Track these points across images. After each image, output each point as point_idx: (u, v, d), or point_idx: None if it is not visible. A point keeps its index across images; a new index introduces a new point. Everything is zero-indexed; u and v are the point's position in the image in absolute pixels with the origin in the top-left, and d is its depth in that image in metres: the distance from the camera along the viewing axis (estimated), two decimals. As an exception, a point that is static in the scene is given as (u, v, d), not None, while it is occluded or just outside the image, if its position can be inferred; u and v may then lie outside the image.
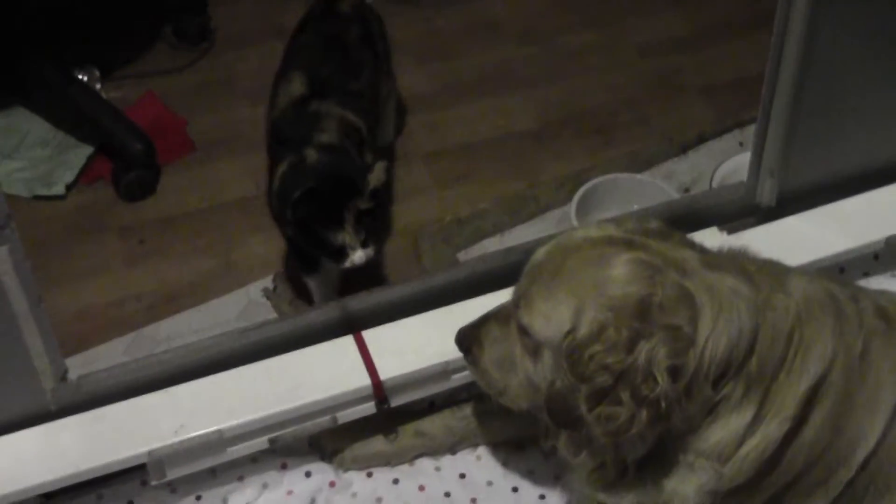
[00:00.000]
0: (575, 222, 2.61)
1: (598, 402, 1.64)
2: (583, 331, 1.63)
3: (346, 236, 2.22)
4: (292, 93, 2.48)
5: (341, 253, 2.23)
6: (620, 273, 1.65)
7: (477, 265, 2.29)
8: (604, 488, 1.83)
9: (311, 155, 2.33)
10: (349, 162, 2.34)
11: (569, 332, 1.65)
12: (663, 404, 1.62)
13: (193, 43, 3.33)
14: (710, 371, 1.65)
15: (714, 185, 2.68)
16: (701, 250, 1.76)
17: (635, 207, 2.60)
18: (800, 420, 1.72)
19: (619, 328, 1.62)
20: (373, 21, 2.69)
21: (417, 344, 2.09)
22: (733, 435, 1.71)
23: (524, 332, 1.74)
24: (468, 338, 1.87)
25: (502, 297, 1.88)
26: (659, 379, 1.61)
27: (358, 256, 2.22)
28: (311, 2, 2.73)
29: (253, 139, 2.78)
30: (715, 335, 1.64)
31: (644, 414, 1.62)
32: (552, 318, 1.68)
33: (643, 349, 1.61)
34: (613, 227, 1.76)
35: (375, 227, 2.27)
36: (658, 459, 1.76)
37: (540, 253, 1.77)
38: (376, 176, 2.25)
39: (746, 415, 1.70)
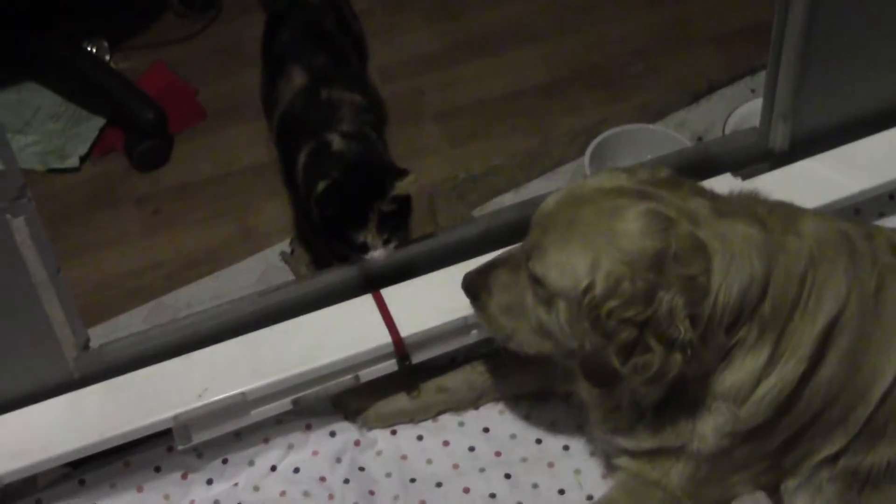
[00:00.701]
0: (589, 174, 2.59)
1: (629, 354, 1.66)
2: (599, 286, 1.64)
3: (368, 235, 2.17)
4: (295, 85, 2.44)
5: (362, 248, 2.20)
6: (634, 226, 1.65)
7: (492, 220, 2.29)
8: (622, 433, 1.86)
9: (336, 141, 2.29)
10: (376, 157, 2.30)
11: (586, 290, 1.66)
12: (689, 350, 1.64)
13: (201, 11, 3.32)
14: (724, 317, 1.67)
15: (727, 132, 2.67)
16: (712, 197, 1.76)
17: (648, 158, 2.59)
18: (816, 360, 1.73)
19: (634, 281, 1.62)
20: (342, 5, 2.68)
21: (436, 300, 2.07)
22: (749, 377, 1.73)
23: (537, 282, 1.74)
24: (476, 284, 1.88)
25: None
26: (681, 328, 1.63)
27: (378, 254, 2.18)
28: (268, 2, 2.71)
29: (264, 104, 2.64)
30: (727, 282, 1.66)
31: (677, 356, 1.64)
32: (566, 269, 1.69)
33: (663, 299, 1.62)
34: (625, 177, 1.76)
35: (400, 230, 2.22)
36: (675, 403, 1.78)
37: (550, 202, 1.77)
38: (404, 186, 2.19)
39: (761, 357, 1.71)
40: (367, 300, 2.10)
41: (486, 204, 2.68)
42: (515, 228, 1.97)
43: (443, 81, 3.08)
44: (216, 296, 2.53)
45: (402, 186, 2.15)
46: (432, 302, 2.07)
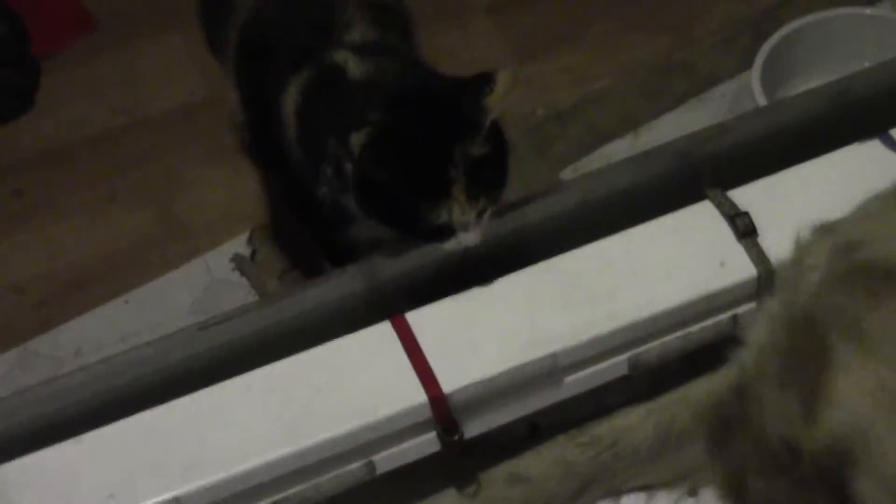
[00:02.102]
0: (760, 100, 2.21)
1: None
2: None
3: (454, 207, 1.74)
4: None
5: (442, 232, 1.77)
6: None
7: (595, 186, 1.88)
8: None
9: (350, 62, 1.88)
10: (428, 72, 1.90)
11: None
12: None
13: None
14: None
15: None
16: None
17: (866, 65, 2.23)
18: None
19: None
20: None
21: (501, 327, 1.73)
22: None
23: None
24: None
25: (649, 234, 1.72)
26: None
27: (473, 235, 1.75)
28: None
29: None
30: None
31: None
32: None
33: None
34: None
35: (497, 187, 1.81)
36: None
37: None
38: (501, 94, 1.74)
39: None
40: (382, 331, 1.75)
41: (586, 157, 2.32)
42: (636, 200, 1.80)
43: None
44: (125, 333, 2.22)
45: (497, 96, 1.72)
46: (494, 330, 1.73)
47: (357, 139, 1.73)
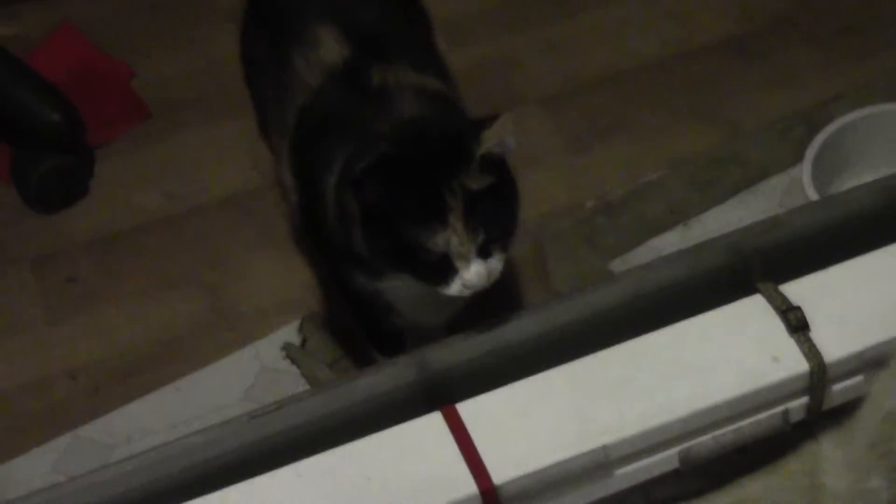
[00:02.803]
0: (811, 193, 2.21)
1: None
2: None
3: (451, 235, 1.74)
4: (326, 59, 2.02)
5: (443, 269, 1.77)
6: None
7: (646, 278, 1.86)
8: None
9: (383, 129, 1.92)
10: (442, 111, 1.93)
11: None
12: None
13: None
14: None
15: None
16: None
17: None
18: None
19: None
20: None
21: (552, 418, 1.70)
22: None
23: None
24: None
25: (700, 327, 1.69)
26: None
27: (474, 275, 1.75)
28: None
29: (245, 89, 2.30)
30: None
31: None
32: None
33: None
34: None
35: (502, 224, 1.81)
36: None
37: None
38: (497, 131, 1.75)
39: None
40: (432, 422, 1.72)
41: (635, 250, 2.33)
42: (687, 293, 1.78)
43: (554, 37, 2.70)
44: (175, 422, 2.21)
45: (491, 134, 1.76)
46: (546, 422, 1.70)
47: (359, 167, 1.78)
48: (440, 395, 1.76)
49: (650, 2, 2.77)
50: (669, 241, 2.36)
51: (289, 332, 2.33)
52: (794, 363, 1.70)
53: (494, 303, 2.17)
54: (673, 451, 1.70)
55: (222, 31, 2.34)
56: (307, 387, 2.26)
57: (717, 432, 1.72)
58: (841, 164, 2.34)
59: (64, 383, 2.29)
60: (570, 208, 2.39)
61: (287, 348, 2.31)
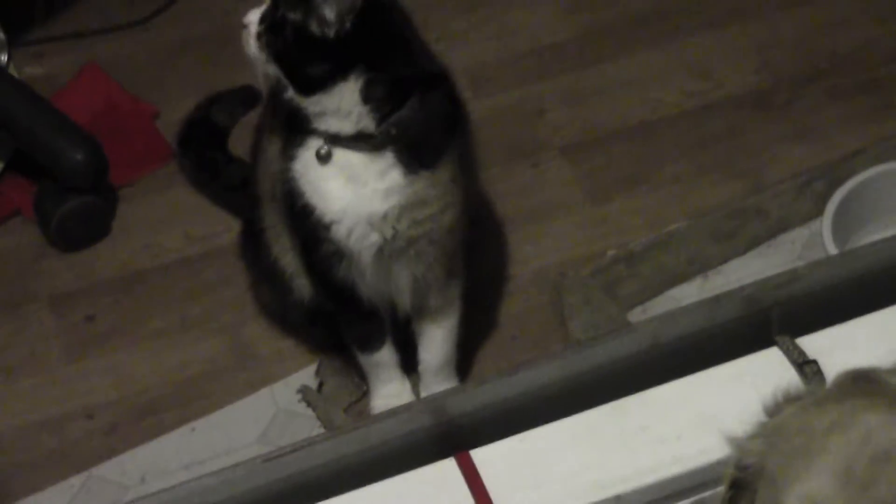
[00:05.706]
0: (830, 247, 2.20)
1: None
2: None
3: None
4: None
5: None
6: None
7: (664, 328, 1.86)
8: None
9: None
10: None
11: None
12: None
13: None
14: None
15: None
16: None
17: None
18: None
19: None
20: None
21: (566, 467, 1.70)
22: None
23: None
24: None
25: (717, 378, 1.71)
26: None
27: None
28: None
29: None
30: None
31: None
32: None
33: None
34: None
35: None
36: None
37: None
38: None
39: None
40: (447, 467, 1.73)
41: (654, 300, 2.33)
42: (705, 344, 1.80)
43: (576, 91, 2.67)
44: (189, 463, 2.20)
45: None
46: (561, 470, 1.70)
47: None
48: (455, 441, 1.77)
49: (673, 53, 2.76)
50: (688, 292, 2.37)
51: (305, 376, 2.33)
52: (808, 417, 1.69)
53: (512, 350, 2.29)
54: (687, 503, 1.70)
55: (244, 75, 2.34)
56: (322, 430, 2.27)
57: (732, 484, 1.71)
58: (861, 218, 2.34)
59: (80, 422, 2.30)
60: (590, 257, 2.39)
61: (303, 391, 2.31)
